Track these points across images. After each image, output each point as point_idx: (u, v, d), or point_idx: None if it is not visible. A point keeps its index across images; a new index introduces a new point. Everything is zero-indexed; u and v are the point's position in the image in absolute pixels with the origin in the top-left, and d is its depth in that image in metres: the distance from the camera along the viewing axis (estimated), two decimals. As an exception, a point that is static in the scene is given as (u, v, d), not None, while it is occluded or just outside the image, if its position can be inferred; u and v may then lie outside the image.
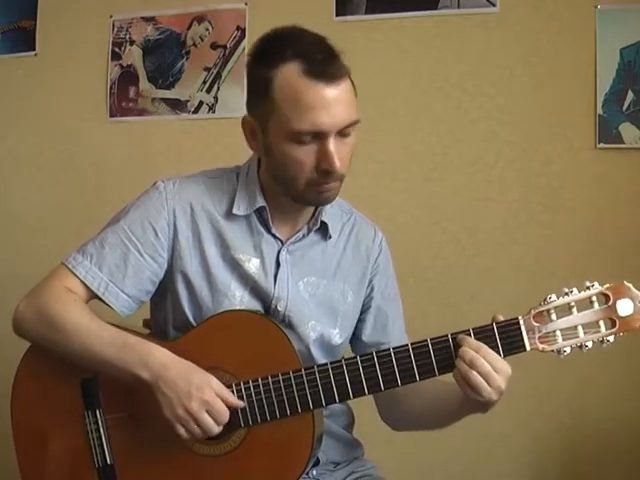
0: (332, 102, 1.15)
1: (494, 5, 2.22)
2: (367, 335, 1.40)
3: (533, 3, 2.21)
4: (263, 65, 1.20)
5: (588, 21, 2.15)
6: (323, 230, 1.34)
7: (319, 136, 1.17)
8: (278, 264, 1.30)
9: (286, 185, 1.24)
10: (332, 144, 1.17)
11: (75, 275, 1.25)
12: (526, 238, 2.19)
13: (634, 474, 2.06)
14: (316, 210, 1.33)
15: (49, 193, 2.57)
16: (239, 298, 1.28)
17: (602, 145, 2.14)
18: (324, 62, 1.16)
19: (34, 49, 2.60)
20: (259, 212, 1.30)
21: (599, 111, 2.14)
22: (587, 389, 2.07)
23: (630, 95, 2.12)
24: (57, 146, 2.57)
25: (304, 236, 1.32)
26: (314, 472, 1.32)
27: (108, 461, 1.23)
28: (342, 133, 1.19)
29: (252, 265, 1.29)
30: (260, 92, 1.20)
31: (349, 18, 2.32)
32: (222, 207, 1.30)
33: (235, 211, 1.29)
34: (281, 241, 1.31)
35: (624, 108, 2.12)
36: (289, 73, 1.16)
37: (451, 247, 2.24)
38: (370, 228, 1.43)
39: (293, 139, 1.17)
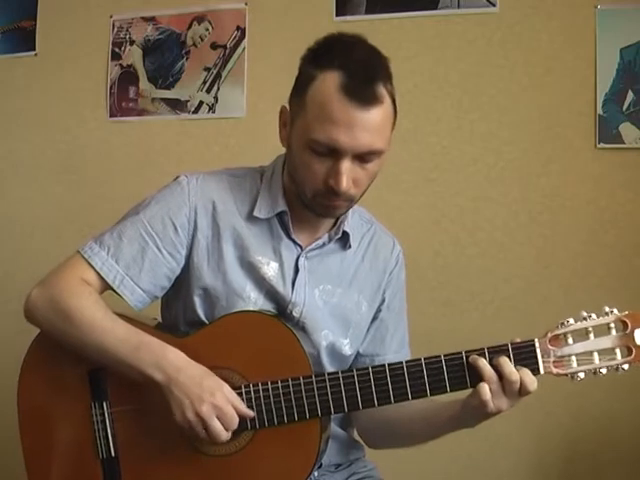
0: (357, 125, 1.14)
1: (494, 5, 2.22)
2: (364, 346, 1.38)
3: (533, 3, 2.21)
4: (312, 63, 1.20)
5: (588, 21, 2.15)
6: (344, 239, 1.33)
7: (335, 152, 1.15)
8: (296, 269, 1.29)
9: (297, 186, 1.24)
10: (345, 165, 1.16)
11: (91, 266, 1.23)
12: (526, 238, 2.19)
13: (634, 473, 2.06)
14: (338, 219, 1.32)
15: (49, 193, 2.57)
16: (254, 300, 1.27)
17: (602, 145, 2.14)
18: (363, 84, 1.14)
19: (34, 49, 2.60)
20: (280, 216, 1.29)
21: (599, 111, 2.13)
22: (586, 388, 2.07)
23: (630, 95, 2.12)
24: (57, 146, 2.57)
25: (324, 244, 1.31)
26: (315, 474, 1.32)
27: (112, 453, 1.22)
28: (362, 158, 1.17)
29: (270, 268, 1.28)
30: (300, 88, 1.20)
31: (349, 18, 2.32)
32: (244, 208, 1.29)
33: (256, 214, 1.28)
34: (300, 247, 1.30)
35: (624, 108, 2.12)
36: (328, 81, 1.15)
37: (451, 247, 2.24)
38: (389, 240, 1.42)
39: (310, 146, 1.17)
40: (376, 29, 2.28)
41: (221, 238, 1.27)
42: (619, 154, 2.13)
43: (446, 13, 2.25)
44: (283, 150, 1.35)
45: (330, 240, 1.31)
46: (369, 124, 1.15)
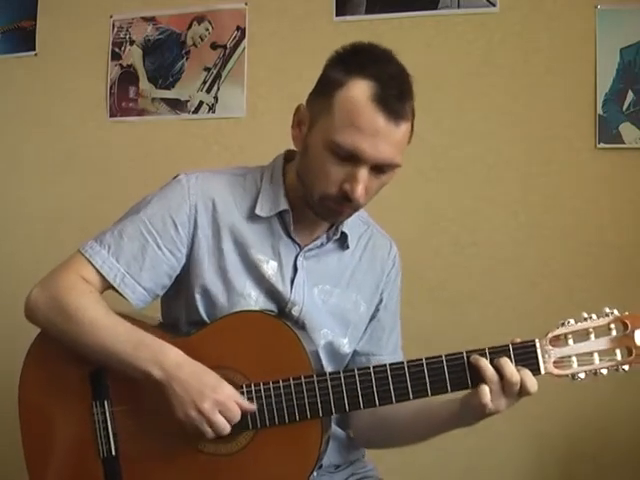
0: (382, 136, 1.14)
1: (494, 5, 2.22)
2: (360, 344, 1.39)
3: (533, 3, 2.21)
4: (341, 68, 1.19)
5: (588, 21, 2.15)
6: (342, 240, 1.33)
7: (355, 159, 1.16)
8: (295, 269, 1.30)
9: (305, 187, 1.24)
10: (363, 173, 1.17)
11: (92, 264, 1.23)
12: (526, 238, 2.19)
13: (634, 474, 2.06)
14: None
15: (49, 193, 2.57)
16: (254, 298, 1.27)
17: (602, 145, 2.14)
18: (395, 97, 1.15)
19: (34, 49, 2.60)
20: (281, 215, 1.29)
21: (599, 111, 2.14)
22: (587, 390, 2.07)
23: (630, 95, 2.12)
24: (57, 146, 2.57)
25: (322, 244, 1.32)
26: (315, 474, 1.31)
27: (113, 452, 1.22)
28: (379, 169, 1.18)
29: (270, 267, 1.28)
30: (325, 90, 1.19)
31: (349, 18, 2.32)
32: (244, 206, 1.29)
33: (258, 212, 1.28)
34: (299, 246, 1.31)
35: (624, 108, 2.12)
36: (359, 88, 1.15)
37: (451, 247, 2.24)
38: (386, 241, 1.43)
39: (331, 148, 1.16)
40: (376, 29, 2.29)
41: (221, 236, 1.27)
42: (619, 154, 2.13)
43: (446, 13, 2.26)
44: (283, 150, 1.35)
45: (328, 240, 1.32)
46: (394, 138, 1.16)
